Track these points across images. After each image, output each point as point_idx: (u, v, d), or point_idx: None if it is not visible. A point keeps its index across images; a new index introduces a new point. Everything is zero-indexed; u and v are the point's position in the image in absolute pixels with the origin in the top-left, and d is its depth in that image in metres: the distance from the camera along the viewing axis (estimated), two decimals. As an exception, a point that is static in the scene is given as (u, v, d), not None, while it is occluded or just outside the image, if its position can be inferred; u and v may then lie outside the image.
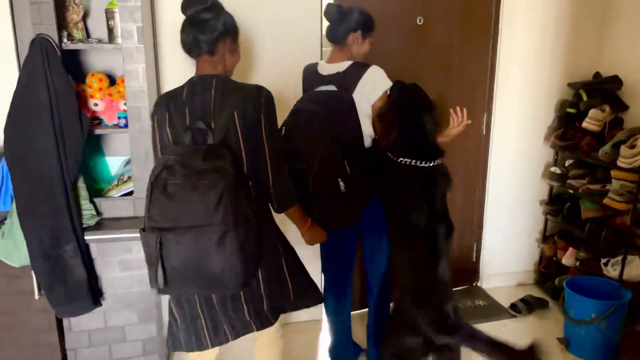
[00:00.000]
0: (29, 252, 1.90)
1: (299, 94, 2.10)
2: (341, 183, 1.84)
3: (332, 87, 1.95)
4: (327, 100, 1.93)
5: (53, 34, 1.92)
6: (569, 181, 2.88)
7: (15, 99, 1.90)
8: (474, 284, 3.24)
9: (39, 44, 1.87)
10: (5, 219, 1.98)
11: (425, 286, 1.84)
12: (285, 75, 2.38)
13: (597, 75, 2.92)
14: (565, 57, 2.96)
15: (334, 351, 2.30)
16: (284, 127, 1.86)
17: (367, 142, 1.99)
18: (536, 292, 3.09)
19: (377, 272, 2.20)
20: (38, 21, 1.91)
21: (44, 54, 1.87)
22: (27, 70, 1.87)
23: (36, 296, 1.99)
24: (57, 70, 1.89)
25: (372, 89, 1.93)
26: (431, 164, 1.86)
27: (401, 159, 1.87)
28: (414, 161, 1.85)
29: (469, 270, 3.23)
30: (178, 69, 2.40)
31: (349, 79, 1.94)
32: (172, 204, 1.39)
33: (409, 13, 2.67)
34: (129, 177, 2.19)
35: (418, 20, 2.68)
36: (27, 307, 2.01)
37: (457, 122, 2.08)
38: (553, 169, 2.98)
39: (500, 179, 3.09)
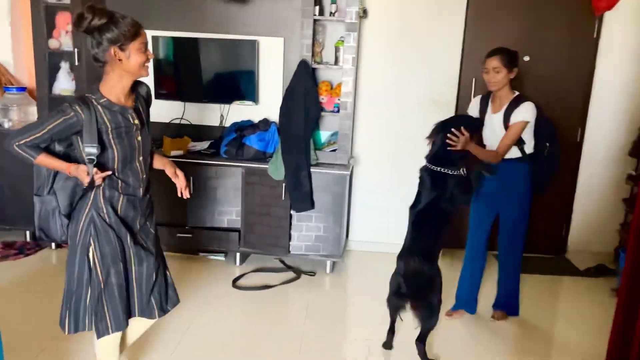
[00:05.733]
0: (285, 172, 3.58)
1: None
2: None
3: None
4: None
5: (309, 59, 3.61)
6: (642, 182, 3.82)
7: (287, 93, 3.63)
8: (560, 255, 4.27)
9: (303, 63, 3.57)
10: (272, 155, 3.71)
11: None
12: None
13: (675, 104, 3.82)
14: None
15: None
16: None
17: None
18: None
19: None
20: (303, 53, 3.62)
21: (304, 69, 3.57)
22: (296, 78, 3.58)
23: (282, 197, 3.68)
24: (309, 78, 3.57)
25: None
26: (439, 169, 2.71)
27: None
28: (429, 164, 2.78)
29: (557, 244, 4.27)
30: (367, 81, 4.01)
31: None
32: None
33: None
34: (334, 142, 3.80)
35: (525, 58, 3.88)
36: (276, 203, 3.71)
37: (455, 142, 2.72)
38: (631, 172, 3.94)
39: (591, 179, 4.12)
